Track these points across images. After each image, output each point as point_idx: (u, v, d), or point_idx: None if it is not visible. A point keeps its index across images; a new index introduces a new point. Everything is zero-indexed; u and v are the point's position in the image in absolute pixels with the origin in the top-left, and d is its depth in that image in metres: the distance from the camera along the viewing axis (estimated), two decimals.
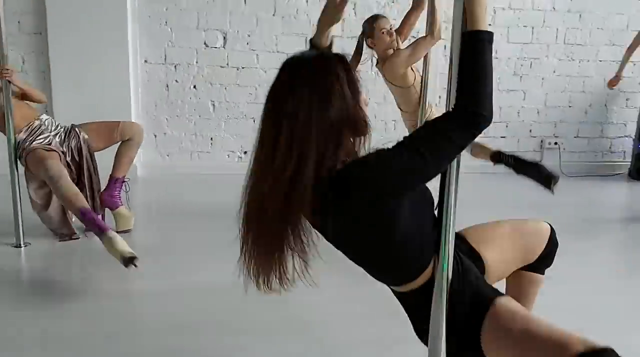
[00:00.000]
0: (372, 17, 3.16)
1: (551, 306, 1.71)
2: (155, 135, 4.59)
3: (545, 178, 3.08)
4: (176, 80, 4.50)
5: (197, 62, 4.49)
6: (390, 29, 3.05)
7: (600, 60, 5.06)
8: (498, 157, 3.27)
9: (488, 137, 4.96)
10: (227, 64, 4.54)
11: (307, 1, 4.52)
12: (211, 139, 4.66)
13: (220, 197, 3.96)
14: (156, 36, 4.39)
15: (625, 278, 2.92)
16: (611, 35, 5.01)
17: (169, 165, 4.62)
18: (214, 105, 4.61)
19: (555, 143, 5.14)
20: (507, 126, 5.07)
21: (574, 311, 2.25)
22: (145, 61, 4.42)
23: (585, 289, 2.64)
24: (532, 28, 4.91)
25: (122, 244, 2.38)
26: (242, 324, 2.23)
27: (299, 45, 4.44)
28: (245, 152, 4.71)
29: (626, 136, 5.27)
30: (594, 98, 5.14)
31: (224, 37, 4.49)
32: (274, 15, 4.51)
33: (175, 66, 4.47)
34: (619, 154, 5.31)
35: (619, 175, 5.18)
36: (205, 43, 4.47)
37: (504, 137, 5.06)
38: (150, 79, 4.47)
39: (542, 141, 5.14)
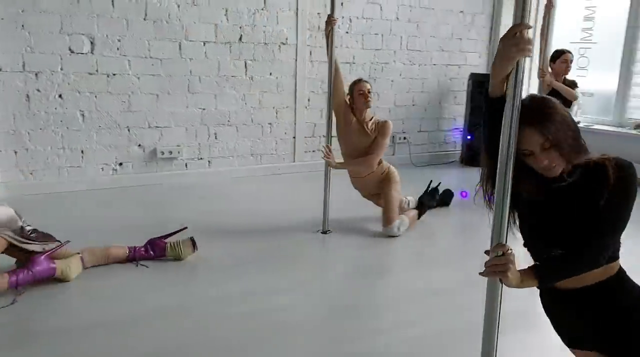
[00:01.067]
0: (354, 81, 3.56)
1: None
2: (16, 152, 4.07)
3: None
4: (38, 90, 4.05)
5: (61, 69, 4.09)
6: (368, 91, 3.44)
7: (434, 64, 5.87)
8: (423, 209, 3.77)
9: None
10: (97, 71, 4.22)
11: (178, 6, 4.42)
12: (82, 152, 4.29)
13: (96, 213, 3.77)
14: (11, 41, 3.89)
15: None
16: (441, 43, 5.85)
17: (34, 184, 4.15)
18: (83, 115, 4.25)
19: (405, 138, 5.84)
20: None
21: None
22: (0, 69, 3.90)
23: None
24: (382, 36, 5.49)
25: None
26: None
27: (173, 51, 4.39)
28: (120, 164, 4.44)
29: (456, 129, 6.20)
30: (431, 97, 5.95)
31: (92, 42, 4.16)
32: (145, 19, 4.32)
33: (36, 74, 4.02)
34: (452, 144, 6.23)
35: (453, 162, 6.10)
36: (70, 49, 4.10)
37: None
38: (6, 89, 3.95)
39: (393, 137, 5.78)
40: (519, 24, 1.28)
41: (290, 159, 5.21)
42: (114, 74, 4.30)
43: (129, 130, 4.44)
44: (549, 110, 1.39)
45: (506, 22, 6.11)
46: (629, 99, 5.57)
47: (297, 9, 4.93)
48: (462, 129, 6.14)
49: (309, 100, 5.18)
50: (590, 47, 5.76)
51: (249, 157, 5.00)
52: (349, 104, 3.55)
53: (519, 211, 1.54)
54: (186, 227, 3.12)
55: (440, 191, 4.11)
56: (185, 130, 4.67)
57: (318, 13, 5.01)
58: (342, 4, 5.12)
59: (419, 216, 3.72)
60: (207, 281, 2.82)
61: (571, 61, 4.71)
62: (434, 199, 3.87)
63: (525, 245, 1.59)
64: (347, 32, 5.28)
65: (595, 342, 1.54)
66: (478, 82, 5.85)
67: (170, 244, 3.01)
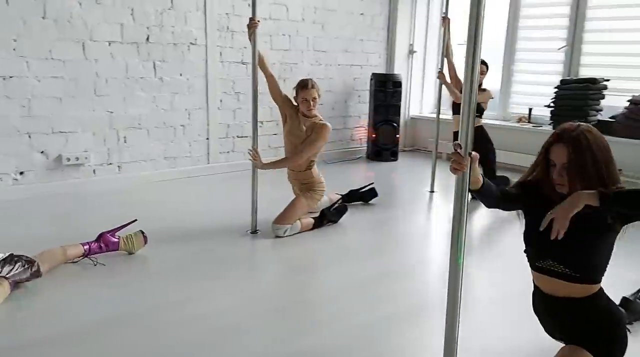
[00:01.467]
0: (301, 84, 3.61)
1: None
2: None
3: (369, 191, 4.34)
4: None
5: None
6: (313, 99, 3.53)
7: (339, 64, 6.08)
8: (322, 221, 3.75)
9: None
10: None
11: (80, 4, 4.19)
12: None
13: None
14: None
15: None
16: (345, 44, 6.07)
17: None
18: None
19: None
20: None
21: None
22: None
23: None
24: (289, 37, 5.58)
25: None
26: None
27: (76, 52, 4.16)
28: (21, 173, 4.13)
29: (361, 126, 6.46)
30: (337, 96, 6.16)
31: None
32: (44, 18, 4.05)
33: None
34: (358, 142, 6.49)
35: (360, 158, 6.37)
36: None
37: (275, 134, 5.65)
38: None
39: None
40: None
41: (204, 161, 5.15)
42: (11, 77, 3.99)
43: (29, 136, 4.14)
44: (584, 141, 1.63)
45: (402, 23, 6.49)
46: (510, 96, 6.16)
47: (205, 9, 4.87)
48: (366, 127, 6.42)
49: (221, 101, 5.15)
50: None
51: (162, 161, 4.87)
52: (294, 104, 3.62)
53: (529, 219, 1.79)
54: (136, 220, 3.13)
55: (366, 189, 4.33)
56: (93, 135, 4.44)
57: (226, 13, 4.99)
58: (248, 4, 5.13)
59: (314, 227, 3.69)
60: (142, 290, 2.74)
61: (483, 72, 4.62)
62: (338, 215, 3.84)
63: (525, 251, 1.87)
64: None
65: (570, 338, 1.83)
66: (380, 82, 6.16)
67: (123, 238, 3.05)
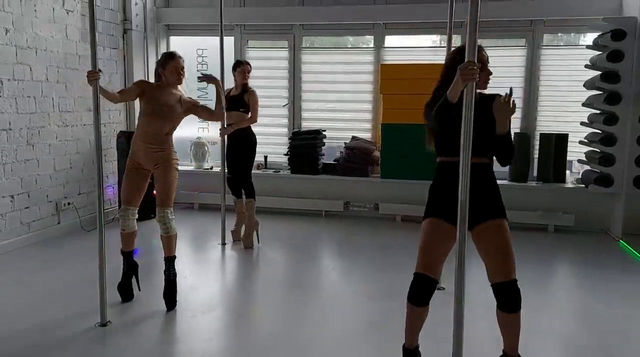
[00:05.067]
0: (168, 55, 3.69)
1: None
2: None
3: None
4: None
5: None
6: (182, 69, 3.65)
7: (84, 124, 5.77)
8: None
9: (15, 211, 4.92)
10: None
11: None
12: None
13: None
14: None
15: None
16: (88, 103, 5.80)
17: None
18: None
19: (69, 203, 5.52)
20: (29, 196, 5.03)
21: None
22: None
23: None
24: (34, 98, 5.06)
25: None
26: None
27: None
28: None
29: (109, 186, 6.22)
30: (85, 158, 5.81)
31: None
32: None
33: None
34: (108, 203, 6.22)
35: (115, 218, 6.12)
36: None
37: (27, 208, 5.01)
38: None
39: (57, 204, 5.39)
40: (471, 61, 2.06)
41: None
42: None
43: None
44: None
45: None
46: None
47: None
48: (113, 186, 6.22)
49: None
50: None
51: None
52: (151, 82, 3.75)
53: (447, 126, 2.36)
54: None
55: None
56: None
57: None
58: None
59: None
60: None
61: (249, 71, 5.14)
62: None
63: (441, 150, 2.51)
64: (0, 96, 4.66)
65: (474, 208, 2.23)
66: (128, 139, 6.09)
67: None
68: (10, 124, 4.79)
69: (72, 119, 5.59)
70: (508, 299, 2.40)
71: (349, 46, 6.95)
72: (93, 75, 3.29)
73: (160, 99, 3.60)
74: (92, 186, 5.92)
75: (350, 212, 6.44)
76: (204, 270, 4.55)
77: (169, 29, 7.14)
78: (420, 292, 2.44)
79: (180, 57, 3.67)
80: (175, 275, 3.59)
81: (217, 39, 5.12)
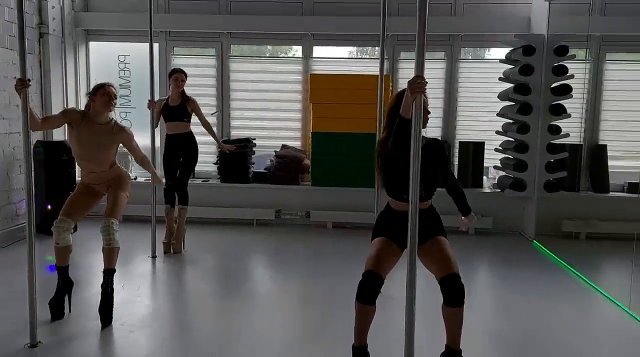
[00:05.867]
0: (99, 85, 3.60)
1: None
2: None
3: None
4: None
5: None
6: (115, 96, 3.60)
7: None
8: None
9: None
10: None
11: None
12: None
13: None
14: None
15: None
16: (1, 111, 5.45)
17: None
18: None
19: None
20: None
21: None
22: None
23: None
24: None
25: None
26: None
27: None
28: None
29: (22, 200, 5.83)
30: None
31: None
32: None
33: None
34: (23, 217, 5.82)
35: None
36: None
37: None
38: None
39: None
40: (418, 75, 2.19)
41: None
42: None
43: None
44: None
45: (55, 85, 6.27)
46: None
47: None
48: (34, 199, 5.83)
49: None
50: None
51: None
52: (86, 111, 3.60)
53: (392, 169, 2.66)
54: None
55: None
56: None
57: None
58: None
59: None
60: None
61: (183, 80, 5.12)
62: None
63: (390, 192, 2.79)
64: None
65: (419, 233, 2.38)
66: (52, 151, 5.79)
67: None
68: None
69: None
70: (453, 292, 2.57)
71: (281, 55, 7.02)
72: (22, 84, 3.11)
73: (89, 138, 3.54)
74: (5, 199, 5.55)
75: (281, 221, 6.47)
76: (136, 284, 4.40)
77: (89, 34, 6.85)
78: (369, 290, 2.57)
79: (111, 85, 3.64)
80: (112, 289, 3.47)
81: (140, 45, 5.06)
